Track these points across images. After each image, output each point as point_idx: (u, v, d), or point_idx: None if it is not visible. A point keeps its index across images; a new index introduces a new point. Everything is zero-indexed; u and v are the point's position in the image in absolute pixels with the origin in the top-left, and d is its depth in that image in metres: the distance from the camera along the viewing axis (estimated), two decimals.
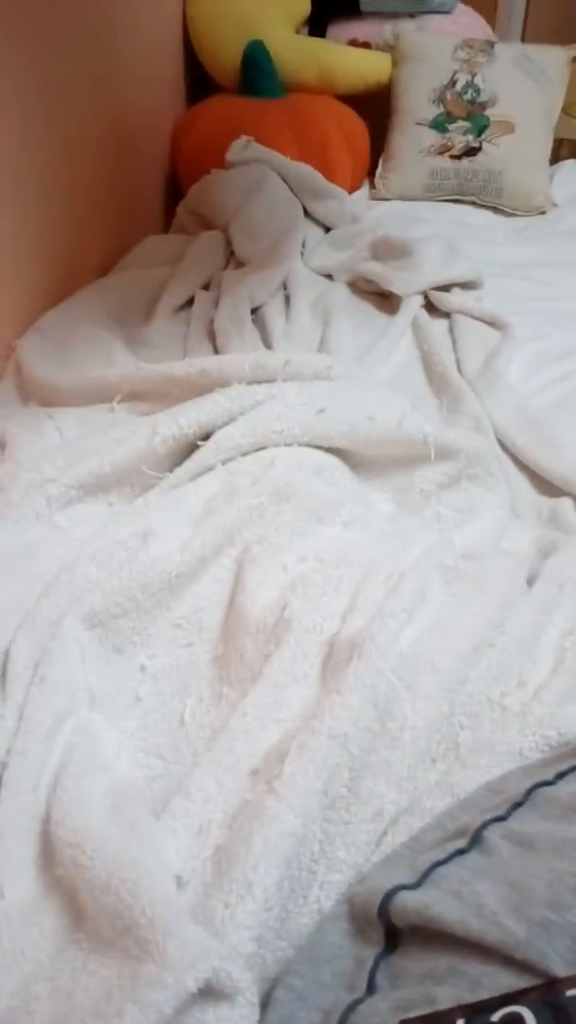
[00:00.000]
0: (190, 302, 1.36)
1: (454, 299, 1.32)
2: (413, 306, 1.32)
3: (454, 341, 1.25)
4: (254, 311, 1.34)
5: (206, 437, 0.77)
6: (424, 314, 1.32)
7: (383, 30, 1.92)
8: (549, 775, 0.45)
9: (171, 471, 0.75)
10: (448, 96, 1.80)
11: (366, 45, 1.92)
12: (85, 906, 0.48)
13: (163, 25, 1.80)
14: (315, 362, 0.89)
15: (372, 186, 1.91)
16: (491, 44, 1.82)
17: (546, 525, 0.88)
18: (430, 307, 1.35)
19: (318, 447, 0.78)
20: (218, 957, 0.41)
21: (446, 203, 1.85)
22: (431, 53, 1.81)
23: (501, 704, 0.57)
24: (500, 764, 0.52)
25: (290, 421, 0.77)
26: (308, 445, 0.78)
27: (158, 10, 1.76)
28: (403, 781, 0.52)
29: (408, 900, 0.40)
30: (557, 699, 0.56)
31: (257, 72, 1.79)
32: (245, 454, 0.75)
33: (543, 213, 1.81)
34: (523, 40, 2.24)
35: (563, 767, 0.45)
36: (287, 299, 1.39)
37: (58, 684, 0.57)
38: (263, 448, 0.77)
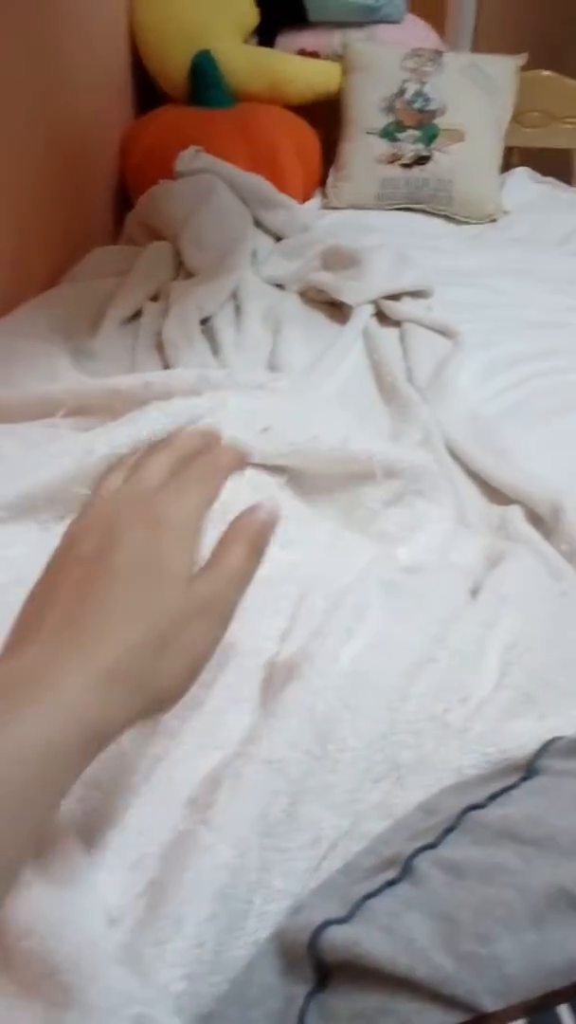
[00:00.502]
0: (139, 314, 1.35)
1: (404, 308, 1.32)
2: (363, 315, 1.32)
3: (405, 350, 1.25)
4: (204, 322, 1.33)
5: None
6: (375, 323, 1.32)
7: (332, 39, 1.92)
8: (481, 797, 0.44)
9: None
10: (397, 105, 1.80)
11: (315, 55, 1.92)
12: (9, 949, 0.46)
13: (109, 34, 1.78)
14: (260, 378, 0.88)
15: (324, 195, 1.91)
16: (439, 53, 1.83)
17: (496, 533, 0.88)
18: (381, 316, 1.35)
19: (260, 465, 0.77)
20: (144, 1002, 0.39)
21: (398, 211, 1.85)
22: (380, 62, 1.82)
23: (443, 721, 0.56)
24: (439, 783, 0.50)
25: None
26: (249, 464, 0.76)
27: (104, 19, 1.74)
28: (343, 805, 0.51)
29: (337, 936, 0.39)
30: (499, 715, 0.55)
31: (205, 82, 1.79)
32: None
33: (494, 221, 1.82)
34: (473, 50, 2.26)
35: (495, 788, 0.44)
36: (237, 309, 1.38)
37: None
38: None
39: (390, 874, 0.42)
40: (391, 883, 0.41)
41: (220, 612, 0.43)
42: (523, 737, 0.54)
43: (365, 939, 0.38)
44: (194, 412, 0.76)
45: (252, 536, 0.45)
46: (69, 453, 0.71)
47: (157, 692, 0.40)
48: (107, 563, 0.41)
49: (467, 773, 0.50)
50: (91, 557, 0.42)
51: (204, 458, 0.48)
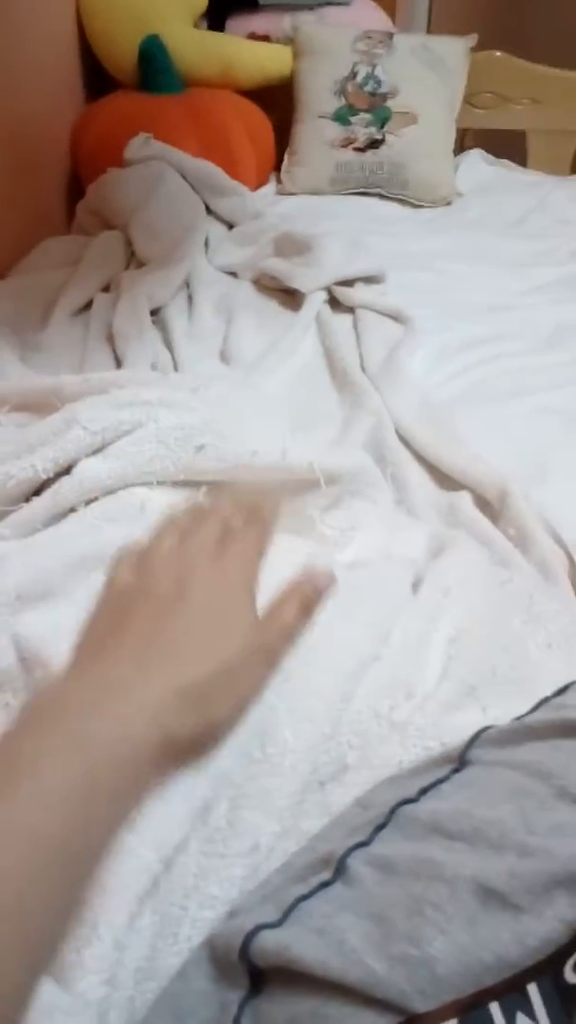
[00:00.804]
0: (90, 305, 1.33)
1: (357, 294, 1.31)
2: (316, 302, 1.30)
3: (357, 336, 1.24)
4: (156, 312, 1.31)
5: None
6: (327, 310, 1.30)
7: (282, 23, 1.90)
8: (413, 791, 0.43)
9: (25, 499, 0.71)
10: (349, 88, 1.78)
11: (266, 38, 1.90)
12: None
13: (57, 21, 1.75)
14: (198, 380, 0.86)
15: (279, 180, 1.89)
16: (390, 35, 1.81)
17: (444, 520, 0.87)
18: (335, 303, 1.33)
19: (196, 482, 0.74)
20: (64, 1012, 0.39)
21: (353, 196, 1.84)
22: (330, 45, 1.80)
23: (389, 719, 0.55)
24: (379, 780, 0.50)
25: (164, 460, 0.72)
26: (185, 483, 0.74)
27: (51, 5, 1.71)
28: (283, 811, 0.50)
29: (268, 940, 0.38)
30: (440, 708, 0.54)
31: (155, 68, 1.75)
32: (111, 491, 0.71)
33: (448, 204, 1.81)
34: (429, 31, 2.24)
35: (426, 782, 0.44)
36: (190, 298, 1.37)
37: None
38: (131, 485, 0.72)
39: (324, 875, 0.41)
40: (325, 884, 0.40)
41: (271, 659, 0.50)
42: (467, 730, 0.53)
43: (296, 943, 0.37)
44: (121, 429, 0.74)
45: (305, 596, 0.53)
46: None
47: (213, 720, 0.47)
48: (184, 603, 0.49)
49: (407, 768, 0.50)
50: (166, 596, 0.49)
51: (251, 525, 0.56)
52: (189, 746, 0.46)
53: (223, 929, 0.41)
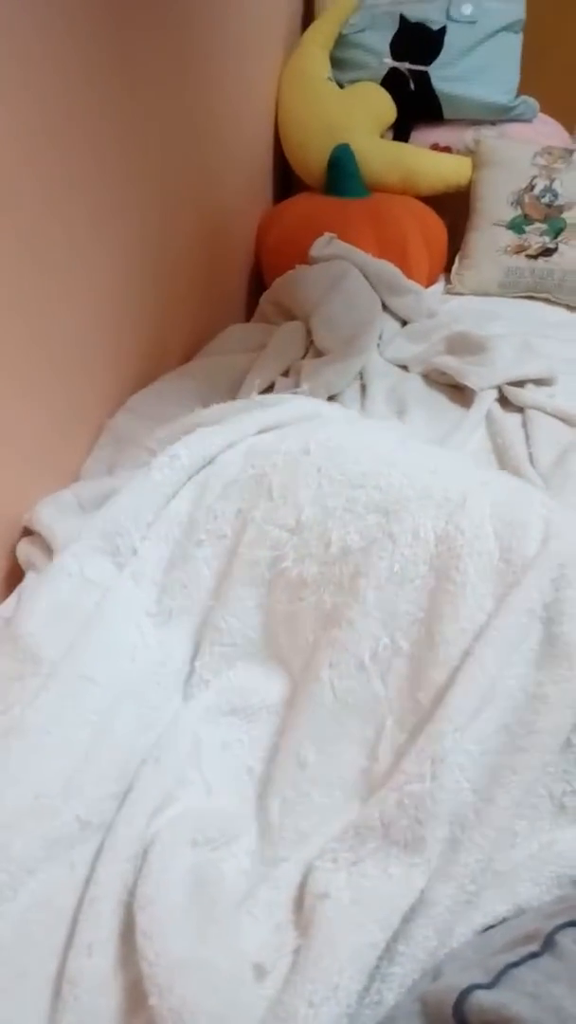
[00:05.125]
0: (271, 387, 1.42)
1: (528, 394, 1.35)
2: (487, 400, 1.35)
3: (527, 436, 1.28)
4: (332, 399, 1.39)
5: None
6: (498, 408, 1.35)
7: (464, 136, 2.01)
8: None
9: None
10: (526, 199, 1.86)
11: (447, 149, 2.01)
12: (147, 995, 0.49)
13: (257, 128, 1.91)
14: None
15: (448, 281, 1.97)
16: (569, 152, 1.89)
17: None
18: (503, 402, 1.38)
19: None
20: None
21: (520, 299, 1.90)
22: (511, 158, 1.89)
23: (560, 803, 0.57)
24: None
25: None
26: None
27: (253, 114, 1.87)
28: (465, 880, 0.53)
29: (484, 999, 0.41)
30: None
31: (342, 173, 1.89)
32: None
33: None
34: None
35: None
36: (363, 388, 1.44)
37: (168, 767, 0.61)
38: None
39: (532, 947, 0.43)
40: (534, 955, 0.43)
41: None
42: None
43: (513, 1004, 0.40)
44: None
45: None
46: None
47: None
48: None
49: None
50: None
51: None
52: None
53: (433, 988, 0.44)
